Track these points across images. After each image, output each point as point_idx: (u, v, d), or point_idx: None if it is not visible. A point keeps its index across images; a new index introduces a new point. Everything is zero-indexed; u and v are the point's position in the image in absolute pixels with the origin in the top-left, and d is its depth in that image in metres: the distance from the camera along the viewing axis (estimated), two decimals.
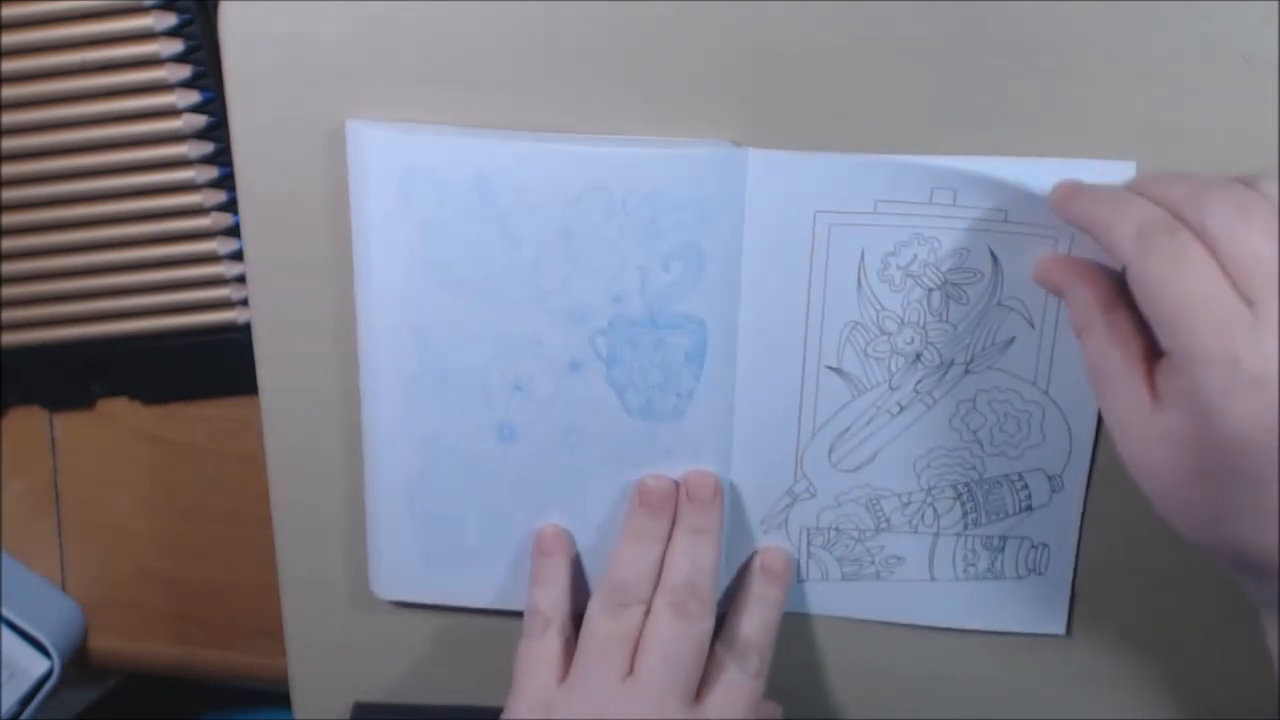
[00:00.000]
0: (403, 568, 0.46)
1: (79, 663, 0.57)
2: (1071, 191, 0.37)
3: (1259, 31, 0.38)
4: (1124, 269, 0.34)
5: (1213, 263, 0.31)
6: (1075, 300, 0.37)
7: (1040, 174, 0.39)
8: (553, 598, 0.43)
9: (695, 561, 0.42)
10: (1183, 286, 0.31)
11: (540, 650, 0.42)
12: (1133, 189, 0.35)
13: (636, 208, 0.40)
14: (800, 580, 0.46)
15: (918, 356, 0.42)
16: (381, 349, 0.43)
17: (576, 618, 0.43)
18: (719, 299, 0.42)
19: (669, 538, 0.43)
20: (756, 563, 0.45)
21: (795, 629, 0.47)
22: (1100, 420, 0.43)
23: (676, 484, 0.43)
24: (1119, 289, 0.36)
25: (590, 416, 0.43)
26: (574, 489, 0.44)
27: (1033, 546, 0.45)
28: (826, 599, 0.46)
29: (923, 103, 0.40)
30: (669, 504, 0.43)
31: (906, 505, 0.44)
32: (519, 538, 0.45)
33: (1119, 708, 0.47)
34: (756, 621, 0.44)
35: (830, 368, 0.43)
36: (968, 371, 0.42)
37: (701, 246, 0.41)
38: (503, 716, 0.42)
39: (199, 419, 0.54)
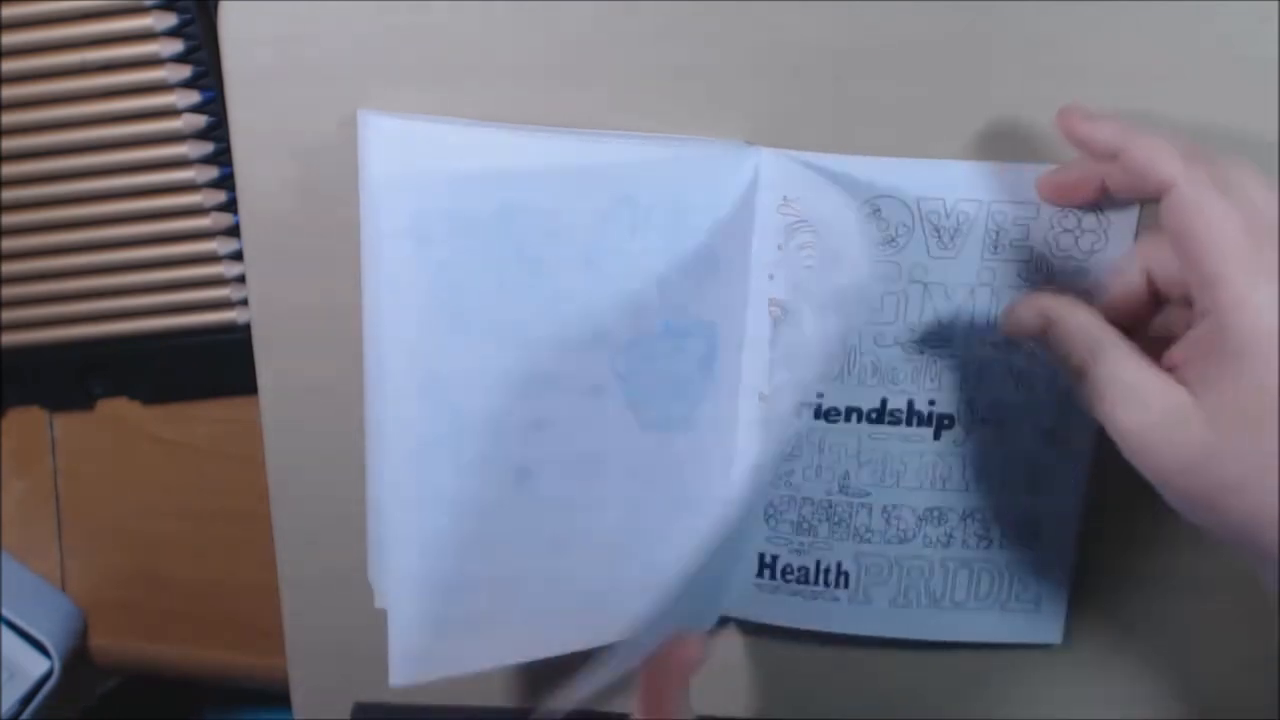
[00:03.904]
0: (421, 646, 0.42)
1: (79, 663, 0.57)
2: (1090, 115, 0.36)
3: (1258, 31, 0.38)
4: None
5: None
6: (1076, 327, 0.36)
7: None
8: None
9: None
10: (1222, 209, 0.32)
11: None
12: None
13: (661, 218, 0.39)
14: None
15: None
16: (391, 399, 0.40)
17: None
18: (728, 301, 0.41)
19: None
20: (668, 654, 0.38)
21: (792, 641, 0.46)
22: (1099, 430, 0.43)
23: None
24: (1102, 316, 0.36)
25: (608, 440, 0.41)
26: (589, 514, 0.42)
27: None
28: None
29: (924, 103, 0.40)
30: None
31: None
32: (535, 585, 0.42)
33: (1116, 718, 0.47)
34: None
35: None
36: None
37: (715, 248, 0.40)
38: None
39: (199, 419, 0.54)
